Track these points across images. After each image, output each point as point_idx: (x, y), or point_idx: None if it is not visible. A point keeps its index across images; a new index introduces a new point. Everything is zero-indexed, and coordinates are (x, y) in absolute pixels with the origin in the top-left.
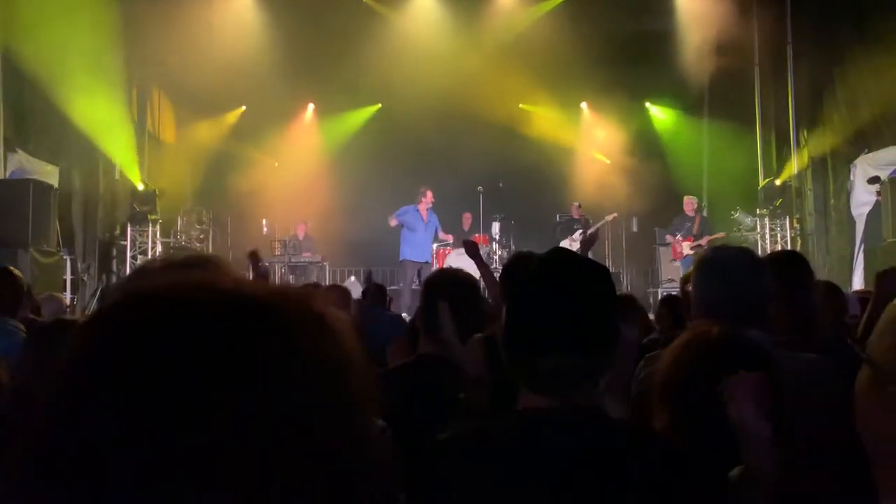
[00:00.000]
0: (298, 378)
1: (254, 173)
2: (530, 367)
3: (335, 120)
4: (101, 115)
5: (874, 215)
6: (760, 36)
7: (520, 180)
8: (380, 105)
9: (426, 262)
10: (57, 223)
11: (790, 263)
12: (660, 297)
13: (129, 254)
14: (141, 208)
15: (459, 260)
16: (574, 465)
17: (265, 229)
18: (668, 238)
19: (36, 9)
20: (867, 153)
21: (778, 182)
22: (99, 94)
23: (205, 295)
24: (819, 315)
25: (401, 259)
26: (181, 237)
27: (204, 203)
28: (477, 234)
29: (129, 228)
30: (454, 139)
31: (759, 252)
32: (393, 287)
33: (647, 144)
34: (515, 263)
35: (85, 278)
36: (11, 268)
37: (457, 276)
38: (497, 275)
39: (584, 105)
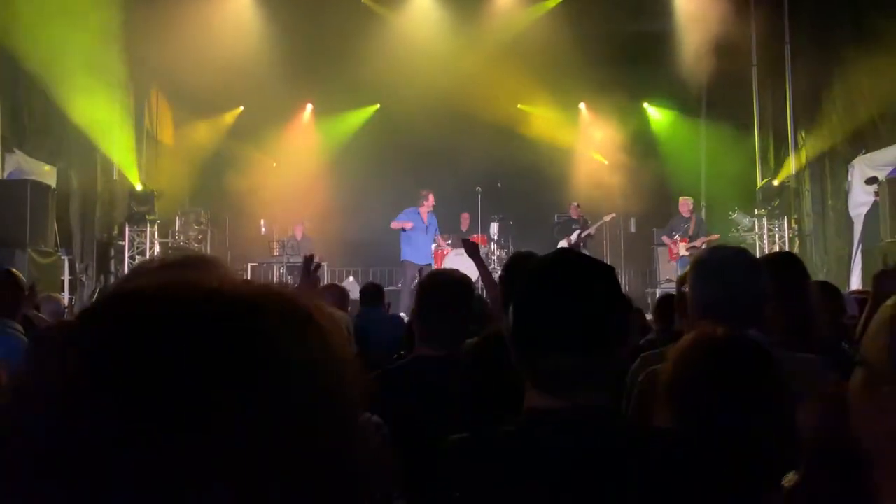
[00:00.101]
0: (287, 376)
1: (252, 174)
2: (537, 367)
3: (333, 120)
4: (100, 115)
5: (872, 216)
6: (758, 36)
7: (518, 180)
8: (378, 105)
9: (427, 265)
10: (55, 223)
11: (787, 264)
12: (658, 297)
13: (127, 254)
14: (139, 208)
15: (457, 260)
16: (583, 464)
17: (263, 229)
18: (665, 239)
19: (34, 9)
20: (865, 153)
21: (776, 182)
22: (97, 93)
23: (194, 293)
24: (816, 315)
25: (402, 259)
26: (179, 237)
27: (202, 203)
28: (475, 235)
29: (127, 229)
30: (453, 139)
31: (758, 253)
32: (391, 287)
33: (645, 145)
34: (517, 263)
35: (83, 279)
36: (13, 269)
37: (452, 277)
38: (496, 275)
39: (582, 105)
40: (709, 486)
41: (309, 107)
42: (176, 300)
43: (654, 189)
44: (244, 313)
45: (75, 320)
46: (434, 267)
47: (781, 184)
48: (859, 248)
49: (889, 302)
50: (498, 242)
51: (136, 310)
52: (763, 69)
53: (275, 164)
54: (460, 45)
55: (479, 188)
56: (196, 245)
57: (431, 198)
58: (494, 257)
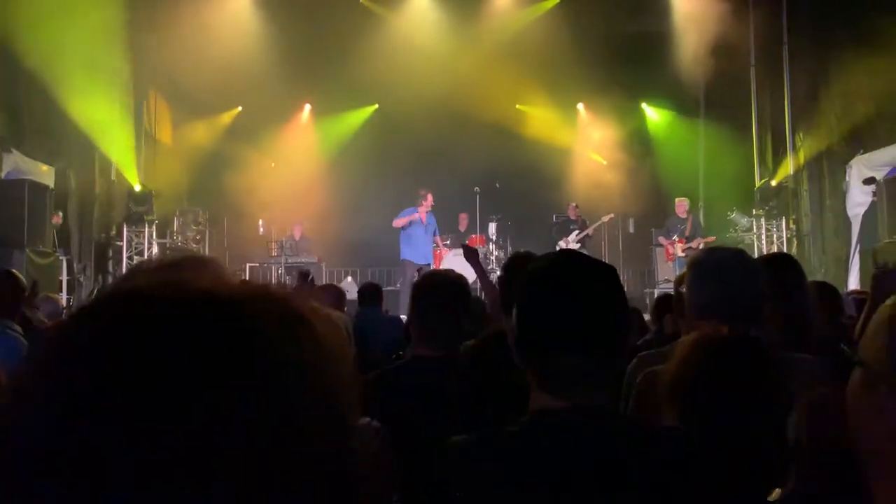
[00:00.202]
0: (284, 376)
1: (250, 174)
2: (541, 367)
3: (332, 120)
4: (99, 115)
5: (870, 216)
6: (756, 37)
7: (516, 181)
8: (377, 105)
9: (426, 264)
10: (53, 224)
11: (784, 264)
12: (656, 297)
13: (125, 254)
14: (137, 209)
15: (455, 261)
16: (584, 464)
17: (261, 230)
18: (662, 240)
19: (33, 9)
20: (862, 154)
21: (773, 183)
22: (96, 93)
23: (191, 294)
24: (814, 316)
25: (402, 258)
26: (177, 238)
27: (200, 203)
28: (473, 235)
29: (125, 229)
30: (451, 140)
31: (756, 253)
32: (389, 287)
33: (643, 145)
34: (516, 264)
35: (81, 279)
36: (13, 270)
37: (448, 277)
38: (495, 276)
39: (580, 106)
40: (711, 485)
41: (307, 107)
42: (174, 300)
43: (653, 189)
44: (242, 314)
45: (72, 319)
46: (433, 267)
47: (779, 184)
48: (857, 249)
49: (888, 302)
50: (496, 243)
51: (134, 310)
52: (761, 69)
53: (273, 165)
54: (459, 46)
55: (477, 188)
56: (194, 245)
57: (430, 197)
58: (493, 258)
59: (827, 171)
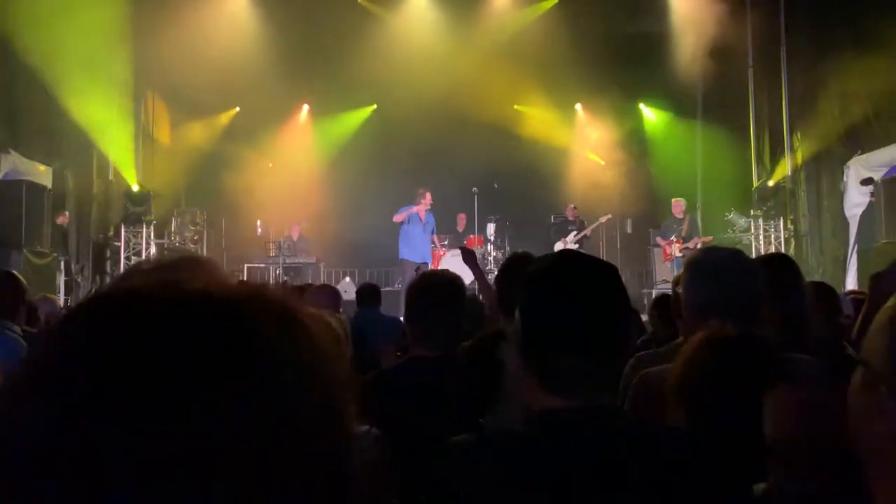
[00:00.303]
0: (281, 376)
1: (248, 174)
2: (544, 368)
3: (330, 121)
4: (97, 116)
5: (867, 216)
6: (754, 37)
7: (515, 181)
8: (375, 106)
9: (424, 263)
10: (50, 224)
11: (781, 265)
12: (654, 297)
13: (122, 255)
14: (135, 209)
15: (454, 261)
16: (585, 464)
17: (259, 230)
18: (659, 240)
19: (31, 9)
20: (860, 154)
21: (771, 183)
22: (94, 94)
23: (189, 294)
24: (812, 316)
25: (400, 258)
26: (175, 238)
27: (198, 204)
28: (472, 236)
29: (122, 229)
30: (449, 140)
31: (753, 253)
32: (388, 288)
33: (641, 145)
34: (513, 264)
35: (79, 279)
36: (14, 272)
37: (444, 277)
38: (492, 276)
39: (578, 106)
40: (713, 486)
41: (305, 107)
42: (171, 300)
43: (651, 190)
44: (240, 314)
45: (70, 318)
46: (431, 267)
47: (777, 184)
48: (855, 249)
49: (889, 303)
50: (494, 243)
51: (133, 309)
52: (759, 70)
53: (271, 165)
54: (457, 46)
55: (475, 189)
56: (192, 246)
57: (429, 196)
58: (491, 258)
59: (825, 171)
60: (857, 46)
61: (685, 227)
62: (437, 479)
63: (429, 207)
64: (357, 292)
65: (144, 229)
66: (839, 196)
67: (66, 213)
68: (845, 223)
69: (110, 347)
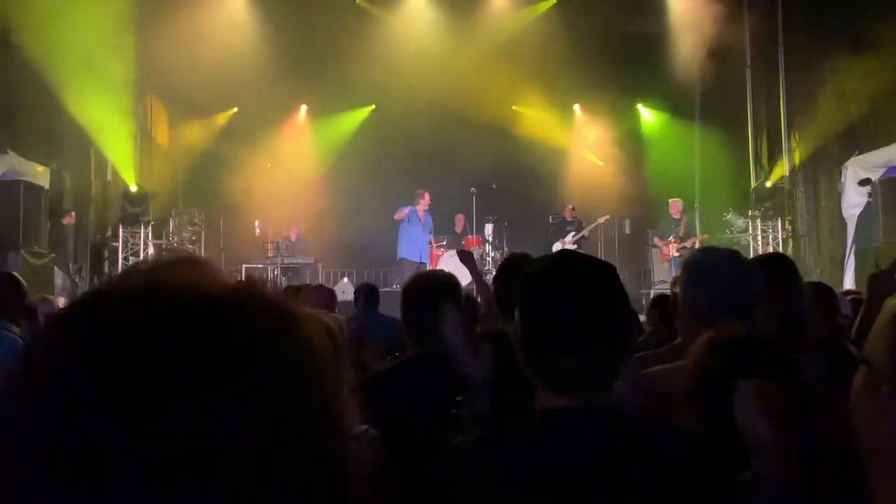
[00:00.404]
0: (279, 376)
1: (246, 175)
2: (543, 367)
3: (328, 121)
4: (97, 117)
5: (865, 217)
6: (751, 38)
7: (513, 182)
8: (373, 106)
9: (423, 263)
10: (58, 225)
11: (779, 265)
12: (652, 297)
13: (120, 255)
14: (133, 210)
15: (452, 262)
16: (586, 464)
17: (257, 231)
18: (656, 241)
19: (30, 10)
20: (858, 155)
21: (769, 184)
22: (94, 94)
23: (186, 292)
24: (810, 316)
25: (399, 257)
26: (173, 239)
27: (196, 204)
28: (470, 236)
29: (120, 230)
30: (447, 140)
31: (751, 254)
32: (386, 289)
33: (639, 146)
34: (511, 265)
35: (77, 280)
36: (15, 274)
37: (438, 277)
38: (491, 276)
39: (576, 107)
40: (714, 485)
41: (303, 108)
42: (171, 299)
43: (649, 190)
44: (240, 314)
45: (66, 316)
46: (429, 267)
47: (775, 185)
48: (852, 249)
49: (891, 303)
50: (492, 244)
51: (132, 309)
52: (757, 70)
53: (269, 166)
54: (455, 46)
55: (473, 189)
56: (190, 246)
57: (427, 196)
58: (489, 258)
59: (822, 171)
60: (855, 47)
61: (682, 227)
62: (437, 479)
63: (427, 207)
64: (355, 293)
65: (142, 230)
66: (837, 196)
67: (73, 213)
68: (843, 223)
69: (111, 346)
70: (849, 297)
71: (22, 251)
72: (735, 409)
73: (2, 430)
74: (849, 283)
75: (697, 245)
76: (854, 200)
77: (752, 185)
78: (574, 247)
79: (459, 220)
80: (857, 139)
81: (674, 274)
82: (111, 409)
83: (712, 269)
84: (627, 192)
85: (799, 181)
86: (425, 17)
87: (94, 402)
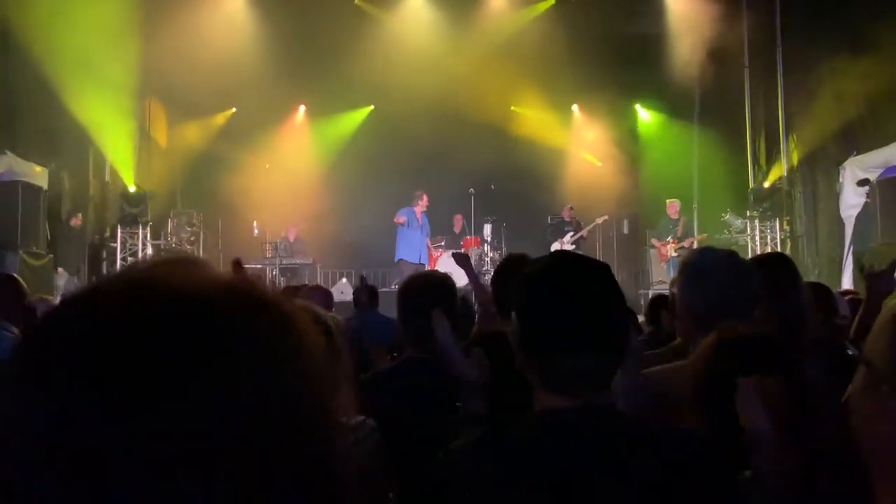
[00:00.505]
0: (278, 375)
1: (244, 175)
2: (541, 368)
3: (327, 122)
4: (96, 117)
5: (863, 217)
6: (750, 39)
7: (511, 182)
8: (372, 107)
9: (421, 264)
10: (46, 225)
11: (778, 265)
12: (650, 298)
13: (119, 256)
14: (131, 210)
15: (450, 262)
16: (585, 464)
17: (256, 231)
18: (655, 241)
19: (29, 10)
20: (856, 155)
21: (767, 184)
22: (94, 94)
23: (182, 291)
24: (809, 316)
25: (397, 259)
26: (171, 239)
27: (194, 205)
28: (468, 237)
29: (119, 230)
30: (446, 141)
31: (749, 254)
32: (385, 289)
33: (637, 147)
34: (509, 265)
35: (75, 280)
36: (15, 275)
37: (434, 278)
38: (489, 277)
39: (575, 107)
40: (714, 485)
41: (302, 108)
42: (169, 298)
43: (647, 191)
44: (240, 314)
45: (65, 314)
46: (428, 268)
47: (773, 185)
48: (850, 250)
49: (891, 303)
50: (491, 244)
51: (131, 308)
52: (755, 71)
53: (268, 166)
54: (454, 47)
55: (472, 190)
56: (188, 247)
57: (425, 198)
58: (487, 259)
59: (820, 172)
60: (853, 47)
61: (680, 227)
62: (437, 479)
63: (426, 209)
64: (354, 293)
65: (141, 230)
66: (835, 197)
67: (80, 215)
68: (841, 224)
69: (111, 346)
70: (847, 298)
71: (20, 252)
72: (738, 407)
73: (1, 429)
74: (847, 283)
75: (695, 245)
76: (852, 201)
77: (751, 185)
78: (572, 247)
79: (458, 221)
80: (855, 140)
81: (672, 274)
82: (111, 408)
83: (710, 269)
84: (626, 192)
85: (797, 182)
86: (424, 17)
87: (94, 401)
